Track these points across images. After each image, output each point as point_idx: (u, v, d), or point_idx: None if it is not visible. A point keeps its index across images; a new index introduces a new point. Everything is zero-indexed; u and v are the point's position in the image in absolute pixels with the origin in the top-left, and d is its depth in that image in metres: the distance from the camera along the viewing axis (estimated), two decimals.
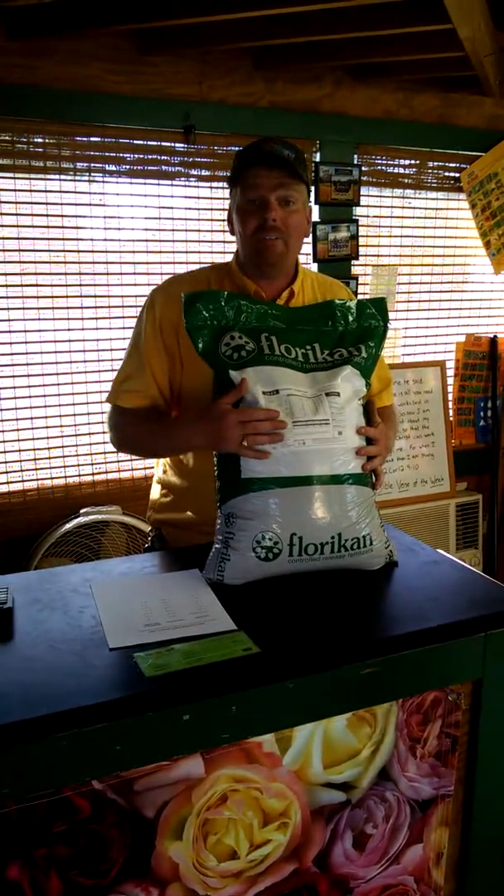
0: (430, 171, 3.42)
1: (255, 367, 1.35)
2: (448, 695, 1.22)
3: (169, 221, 2.87)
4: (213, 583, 1.32)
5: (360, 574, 1.37)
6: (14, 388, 2.73)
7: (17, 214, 2.61)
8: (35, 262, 2.68)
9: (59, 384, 2.80)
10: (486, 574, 1.40)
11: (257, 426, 1.31)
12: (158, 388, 1.64)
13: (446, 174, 3.46)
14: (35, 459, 2.82)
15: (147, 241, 2.86)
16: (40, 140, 2.59)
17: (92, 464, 2.91)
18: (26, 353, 2.73)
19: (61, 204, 2.67)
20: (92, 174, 2.69)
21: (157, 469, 1.82)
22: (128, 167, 2.75)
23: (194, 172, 2.86)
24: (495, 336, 3.75)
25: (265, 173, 1.52)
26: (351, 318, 1.45)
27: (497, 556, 3.83)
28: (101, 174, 2.71)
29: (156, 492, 1.82)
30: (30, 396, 2.76)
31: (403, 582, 1.36)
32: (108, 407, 1.72)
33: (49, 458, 2.84)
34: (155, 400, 1.65)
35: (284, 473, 1.30)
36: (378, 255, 3.41)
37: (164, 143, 2.78)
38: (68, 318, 2.77)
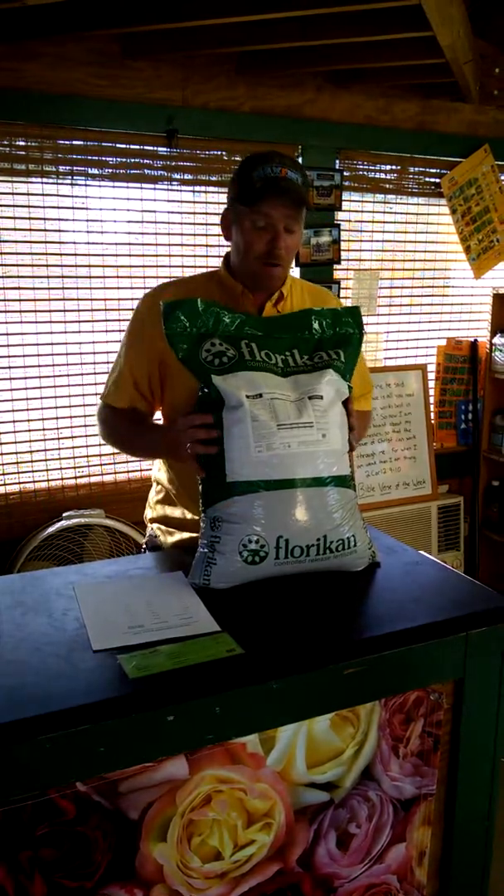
0: (410, 176, 3.45)
1: (238, 372, 1.36)
2: (430, 694, 1.23)
3: (152, 225, 2.87)
4: (199, 587, 1.32)
5: (342, 575, 1.38)
6: None
7: None
8: (17, 266, 2.67)
9: (41, 387, 2.79)
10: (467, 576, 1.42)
11: (195, 433, 1.33)
12: (138, 390, 1.68)
13: (427, 179, 3.50)
14: (18, 463, 2.81)
15: (130, 244, 2.86)
16: (22, 143, 2.58)
17: (75, 467, 2.91)
18: (9, 357, 2.72)
19: (43, 207, 2.67)
20: (74, 178, 2.69)
21: (154, 467, 1.86)
22: (110, 171, 2.75)
23: (177, 176, 2.87)
24: (476, 340, 3.78)
25: (279, 203, 1.52)
26: (326, 326, 1.47)
27: (478, 557, 3.86)
28: (83, 178, 2.71)
29: (152, 489, 1.86)
30: (13, 400, 2.76)
31: (386, 583, 1.37)
32: (97, 400, 1.77)
33: (32, 461, 2.83)
34: (134, 401, 1.69)
35: (270, 476, 1.30)
36: (360, 260, 3.43)
37: (146, 147, 2.78)
38: (51, 322, 2.77)
